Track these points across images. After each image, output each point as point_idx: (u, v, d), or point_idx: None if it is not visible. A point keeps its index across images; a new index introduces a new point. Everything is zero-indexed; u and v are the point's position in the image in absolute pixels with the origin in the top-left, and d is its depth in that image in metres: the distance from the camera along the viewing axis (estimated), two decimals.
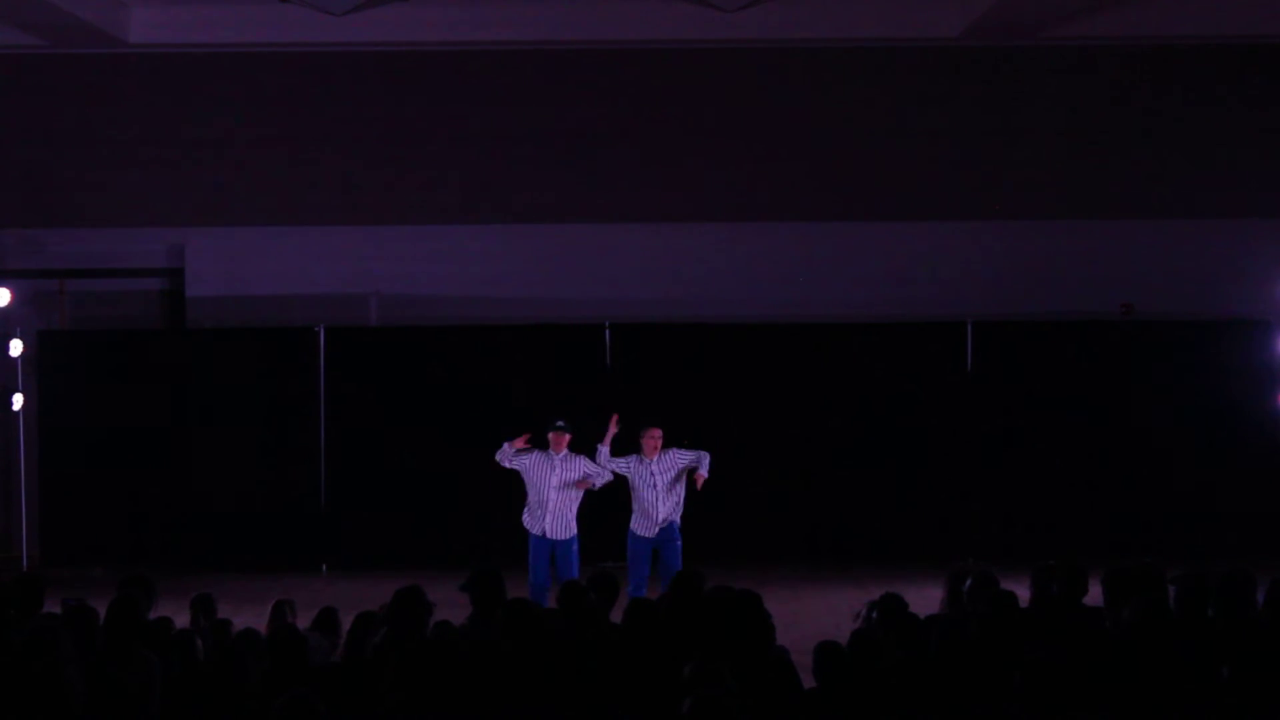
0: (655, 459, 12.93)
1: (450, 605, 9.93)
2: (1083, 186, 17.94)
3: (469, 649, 7.56)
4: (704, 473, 12.90)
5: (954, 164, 17.87)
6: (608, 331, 17.10)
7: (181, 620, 9.08)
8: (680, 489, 12.94)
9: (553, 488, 12.90)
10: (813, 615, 13.14)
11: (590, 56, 17.63)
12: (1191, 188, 17.89)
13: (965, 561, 11.61)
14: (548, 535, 12.90)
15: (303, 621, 9.08)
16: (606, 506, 13.79)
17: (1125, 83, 17.88)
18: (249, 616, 9.22)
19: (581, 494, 13.01)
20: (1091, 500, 16.91)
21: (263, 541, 16.97)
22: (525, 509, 13.11)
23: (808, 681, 7.40)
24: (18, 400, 17.08)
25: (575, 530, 13.01)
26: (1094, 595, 8.93)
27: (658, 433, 13.02)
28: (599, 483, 13.04)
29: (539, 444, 13.08)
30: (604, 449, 13.08)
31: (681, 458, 13.00)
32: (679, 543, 12.89)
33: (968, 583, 9.00)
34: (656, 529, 12.85)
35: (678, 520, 12.92)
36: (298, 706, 6.03)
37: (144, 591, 8.62)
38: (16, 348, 17.07)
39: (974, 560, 13.10)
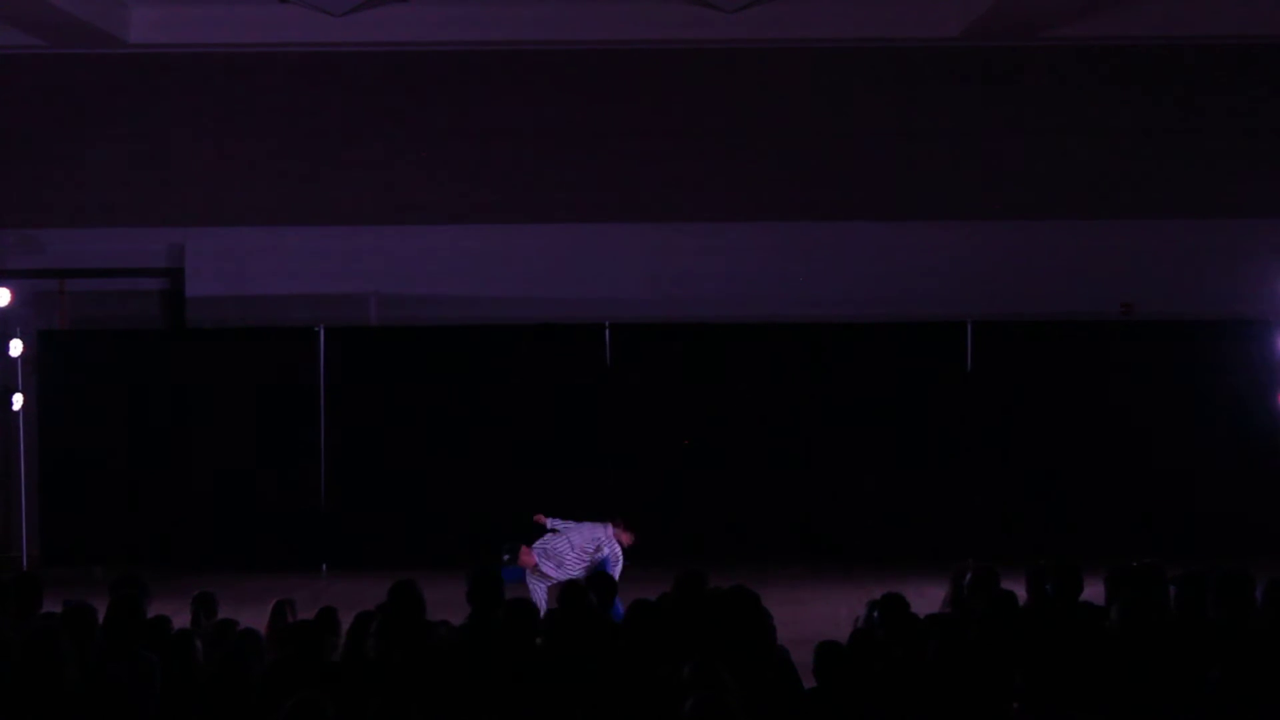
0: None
1: (450, 605, 9.93)
2: (1083, 186, 17.94)
3: (469, 649, 7.56)
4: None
5: (954, 164, 17.87)
6: (608, 331, 17.10)
7: (181, 620, 9.07)
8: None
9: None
10: (813, 615, 13.13)
11: (590, 56, 17.64)
12: (1191, 188, 17.90)
13: (966, 561, 11.59)
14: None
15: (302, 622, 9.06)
16: (614, 505, 13.73)
17: (1124, 83, 17.88)
18: (249, 616, 9.20)
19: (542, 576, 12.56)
20: (1091, 500, 16.90)
21: (263, 541, 16.97)
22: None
23: (808, 681, 7.40)
24: (18, 400, 17.08)
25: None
26: (1097, 595, 8.94)
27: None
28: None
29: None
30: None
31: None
32: None
33: (967, 577, 9.01)
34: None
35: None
36: (307, 708, 5.99)
37: (140, 591, 8.61)
38: (16, 348, 17.07)
39: (974, 560, 13.08)
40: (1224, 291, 17.47)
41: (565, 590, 8.60)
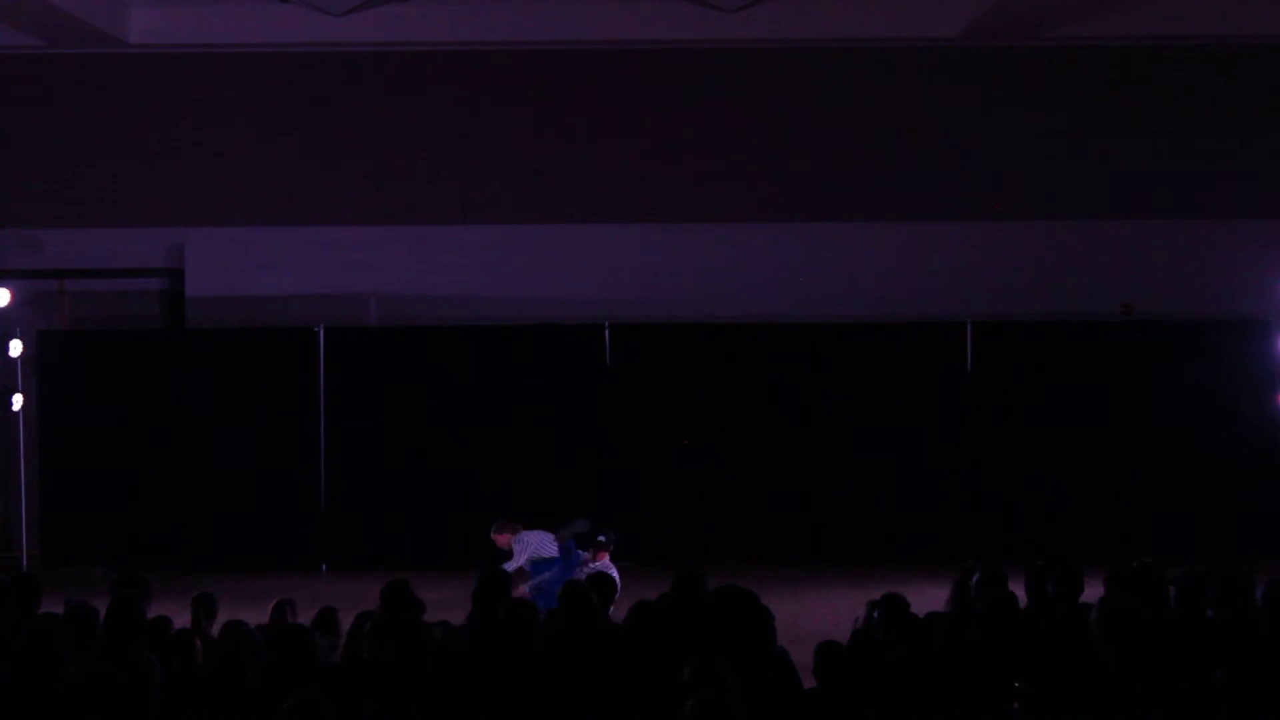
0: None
1: (449, 605, 9.94)
2: (1083, 186, 17.95)
3: (469, 649, 7.56)
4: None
5: (954, 164, 17.87)
6: (608, 331, 17.10)
7: (182, 620, 9.07)
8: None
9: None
10: (813, 615, 13.13)
11: (590, 56, 17.64)
12: (1191, 188, 17.90)
13: (970, 562, 11.58)
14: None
15: (302, 621, 9.05)
16: (614, 505, 13.74)
17: (1124, 83, 17.89)
18: (249, 616, 9.19)
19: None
20: (1091, 500, 16.90)
21: (263, 541, 16.96)
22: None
23: (808, 681, 7.40)
24: (18, 400, 17.07)
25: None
26: (1097, 595, 8.93)
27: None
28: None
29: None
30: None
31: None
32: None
33: (975, 577, 9.00)
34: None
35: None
36: (306, 709, 5.98)
37: (141, 591, 8.60)
38: (16, 348, 17.06)
39: (973, 560, 13.09)
40: (1224, 291, 17.47)
41: (566, 590, 8.60)
